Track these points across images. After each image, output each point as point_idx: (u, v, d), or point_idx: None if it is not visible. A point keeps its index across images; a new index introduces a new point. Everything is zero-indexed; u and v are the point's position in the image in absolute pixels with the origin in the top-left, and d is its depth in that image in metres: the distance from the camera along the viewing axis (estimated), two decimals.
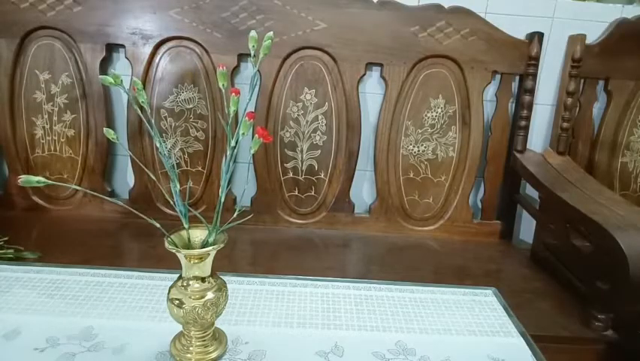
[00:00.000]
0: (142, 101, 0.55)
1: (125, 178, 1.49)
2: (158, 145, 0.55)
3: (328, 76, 1.36)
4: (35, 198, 1.40)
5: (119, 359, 0.59)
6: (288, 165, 1.41)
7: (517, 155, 1.41)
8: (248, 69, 1.41)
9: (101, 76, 0.53)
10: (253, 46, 0.57)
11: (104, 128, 0.55)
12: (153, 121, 1.37)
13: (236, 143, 0.54)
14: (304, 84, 1.36)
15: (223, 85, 0.55)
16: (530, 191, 1.45)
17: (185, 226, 0.56)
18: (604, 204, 1.10)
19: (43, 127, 1.38)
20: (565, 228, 1.17)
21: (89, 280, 0.77)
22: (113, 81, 0.53)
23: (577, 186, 1.22)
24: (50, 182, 0.49)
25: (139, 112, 0.54)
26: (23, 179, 0.48)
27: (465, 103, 1.39)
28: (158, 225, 0.54)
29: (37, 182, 0.48)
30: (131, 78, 1.34)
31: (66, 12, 1.30)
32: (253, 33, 0.56)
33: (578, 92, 1.41)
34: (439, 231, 1.44)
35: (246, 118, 0.53)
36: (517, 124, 1.41)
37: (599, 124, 1.46)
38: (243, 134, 0.54)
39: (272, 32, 0.56)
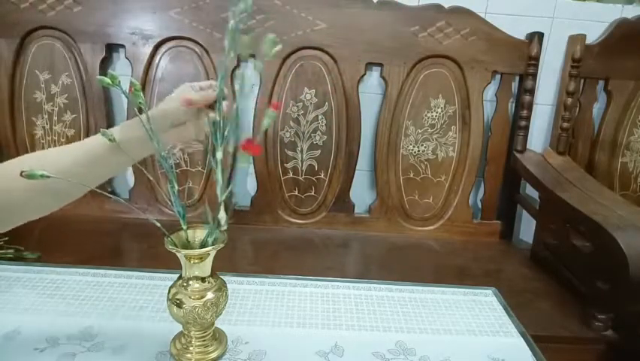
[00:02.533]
0: (139, 102, 0.55)
1: (125, 178, 1.49)
2: (156, 146, 0.55)
3: (328, 76, 1.36)
4: None
5: (119, 359, 0.59)
6: (288, 165, 1.41)
7: (517, 155, 1.41)
8: (248, 69, 1.41)
9: (98, 77, 0.53)
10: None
11: (101, 130, 0.54)
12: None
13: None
14: (304, 84, 1.36)
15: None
16: (530, 191, 1.45)
17: (184, 226, 0.56)
18: (604, 204, 1.10)
19: (43, 127, 1.38)
20: (565, 228, 1.17)
21: (89, 280, 0.76)
22: (110, 82, 0.52)
23: (577, 186, 1.22)
24: (53, 175, 0.49)
25: (137, 114, 0.54)
26: (27, 172, 0.48)
27: (465, 103, 1.39)
28: (158, 224, 0.54)
29: (41, 175, 0.48)
30: (131, 78, 1.34)
31: (66, 12, 1.30)
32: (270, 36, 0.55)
33: (578, 92, 1.41)
34: (439, 231, 1.44)
35: (271, 108, 0.53)
36: (517, 124, 1.41)
37: (599, 124, 1.46)
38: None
39: (274, 35, 0.54)
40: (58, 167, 0.51)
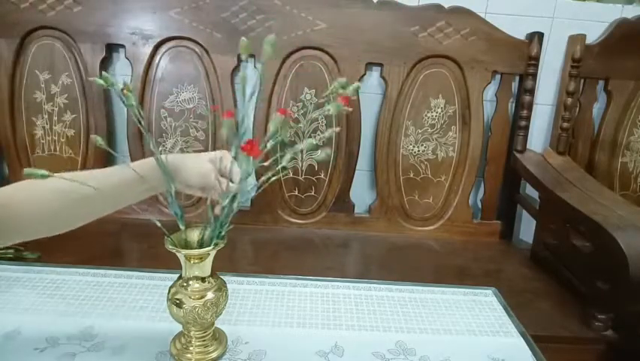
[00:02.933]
0: (131, 104, 0.54)
1: None
2: (152, 148, 0.55)
3: (328, 76, 1.36)
4: None
5: (119, 359, 0.59)
6: (288, 165, 1.40)
7: (517, 155, 1.41)
8: (248, 69, 1.41)
9: (90, 78, 0.52)
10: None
11: (91, 136, 0.55)
12: (154, 121, 1.37)
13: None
14: (304, 84, 1.36)
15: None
16: (530, 191, 1.45)
17: (182, 227, 0.56)
18: (604, 204, 1.10)
19: (43, 127, 1.38)
20: (565, 228, 1.17)
21: (89, 280, 0.76)
22: (105, 83, 0.52)
23: (577, 186, 1.22)
24: (54, 175, 0.48)
25: (134, 115, 0.54)
26: (27, 170, 0.47)
27: (465, 103, 1.39)
28: (159, 223, 0.54)
29: (42, 175, 0.48)
30: (131, 78, 1.34)
31: (66, 12, 1.30)
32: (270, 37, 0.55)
33: (578, 92, 1.41)
34: (439, 231, 1.44)
35: (278, 114, 0.53)
36: (517, 124, 1.41)
37: (599, 124, 1.46)
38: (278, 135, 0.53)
39: (273, 36, 0.55)
40: (100, 188, 0.54)
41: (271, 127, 0.53)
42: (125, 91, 0.54)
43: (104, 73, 0.53)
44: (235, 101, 1.38)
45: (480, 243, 1.41)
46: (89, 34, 1.32)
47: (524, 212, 1.47)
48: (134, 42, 1.33)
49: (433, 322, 0.71)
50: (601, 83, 1.44)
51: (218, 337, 0.62)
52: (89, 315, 0.67)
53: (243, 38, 0.53)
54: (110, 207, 0.60)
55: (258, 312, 0.71)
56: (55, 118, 1.37)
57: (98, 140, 0.54)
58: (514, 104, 1.44)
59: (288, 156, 0.54)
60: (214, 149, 1.39)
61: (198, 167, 0.60)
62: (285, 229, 1.42)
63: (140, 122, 0.54)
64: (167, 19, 1.32)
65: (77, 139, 1.38)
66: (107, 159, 1.40)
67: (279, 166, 0.55)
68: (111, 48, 1.37)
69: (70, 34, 1.32)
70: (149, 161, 0.58)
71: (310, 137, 1.38)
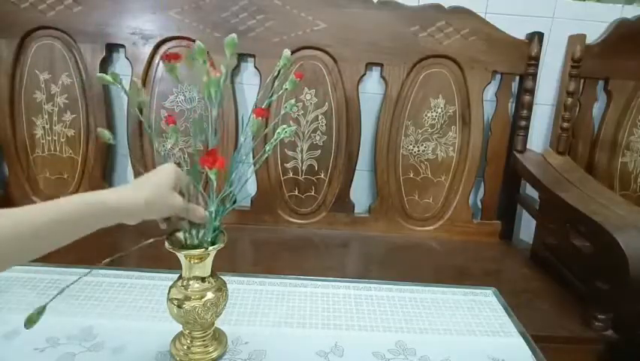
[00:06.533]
0: (140, 101, 0.54)
1: (126, 178, 1.49)
2: (157, 148, 0.55)
3: (328, 76, 1.36)
4: (35, 199, 1.40)
5: (119, 359, 0.59)
6: (288, 165, 1.41)
7: (517, 155, 1.40)
8: (248, 69, 1.41)
9: (98, 74, 0.53)
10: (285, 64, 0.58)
11: (98, 129, 0.54)
12: (154, 121, 1.37)
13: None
14: (304, 84, 1.36)
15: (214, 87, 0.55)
16: (530, 191, 1.45)
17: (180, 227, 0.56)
18: (604, 204, 1.10)
19: (43, 127, 1.38)
20: (565, 228, 1.17)
21: (89, 280, 0.77)
22: (111, 80, 0.52)
23: (577, 186, 1.22)
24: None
25: (138, 113, 0.54)
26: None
27: (465, 103, 1.39)
28: (164, 226, 0.54)
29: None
30: (131, 78, 1.34)
31: (66, 12, 1.30)
32: (287, 53, 0.57)
33: (578, 92, 1.41)
34: (439, 231, 1.44)
35: (254, 115, 0.54)
36: (517, 124, 1.41)
37: (599, 124, 1.46)
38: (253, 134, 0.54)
39: (288, 52, 0.56)
40: (33, 224, 0.48)
41: (249, 129, 0.54)
42: (135, 80, 0.54)
43: (111, 70, 0.54)
44: (235, 100, 1.38)
45: (480, 243, 1.41)
46: (89, 34, 1.32)
47: (524, 212, 1.47)
48: (134, 42, 1.33)
49: (433, 322, 0.71)
50: (601, 83, 1.44)
51: (218, 337, 0.62)
52: (89, 315, 0.67)
53: (233, 35, 0.55)
54: (45, 248, 0.52)
55: (258, 312, 0.71)
56: (55, 118, 1.37)
57: (106, 134, 0.54)
58: (514, 104, 1.44)
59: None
60: None
61: (164, 199, 0.56)
62: (285, 229, 1.42)
63: (142, 120, 0.54)
64: (167, 19, 1.32)
65: (77, 139, 1.38)
66: (107, 159, 1.40)
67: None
68: (111, 48, 1.37)
69: (70, 34, 1.32)
70: (81, 200, 0.53)
71: (310, 137, 1.39)
